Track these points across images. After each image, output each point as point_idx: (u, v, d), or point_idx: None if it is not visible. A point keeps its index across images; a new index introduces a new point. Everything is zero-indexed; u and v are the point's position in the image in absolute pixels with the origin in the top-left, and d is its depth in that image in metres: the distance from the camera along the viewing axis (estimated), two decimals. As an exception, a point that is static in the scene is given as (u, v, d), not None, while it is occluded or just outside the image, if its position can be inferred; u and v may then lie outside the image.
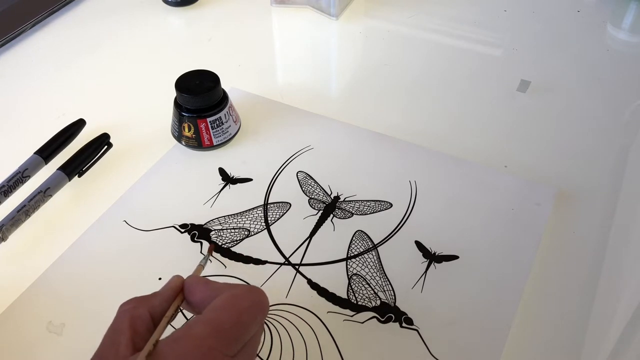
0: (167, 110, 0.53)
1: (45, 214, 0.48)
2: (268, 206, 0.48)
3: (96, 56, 0.66)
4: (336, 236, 0.46)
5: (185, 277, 0.34)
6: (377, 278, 0.43)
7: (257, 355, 0.38)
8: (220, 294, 0.32)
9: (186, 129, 0.51)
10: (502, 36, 0.67)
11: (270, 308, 0.41)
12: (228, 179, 0.50)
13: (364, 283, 0.42)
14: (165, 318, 0.31)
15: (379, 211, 0.47)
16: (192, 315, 0.36)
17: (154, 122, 0.55)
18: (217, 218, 0.47)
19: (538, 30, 0.68)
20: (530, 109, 0.57)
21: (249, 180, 0.50)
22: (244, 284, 0.32)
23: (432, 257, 0.44)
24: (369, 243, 0.45)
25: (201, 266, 0.38)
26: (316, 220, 0.47)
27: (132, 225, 0.47)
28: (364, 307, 0.41)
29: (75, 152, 0.51)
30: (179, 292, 0.33)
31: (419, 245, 0.45)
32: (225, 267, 0.44)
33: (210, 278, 0.42)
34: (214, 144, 0.52)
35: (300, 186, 0.50)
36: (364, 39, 0.67)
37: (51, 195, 0.48)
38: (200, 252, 0.45)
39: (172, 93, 0.51)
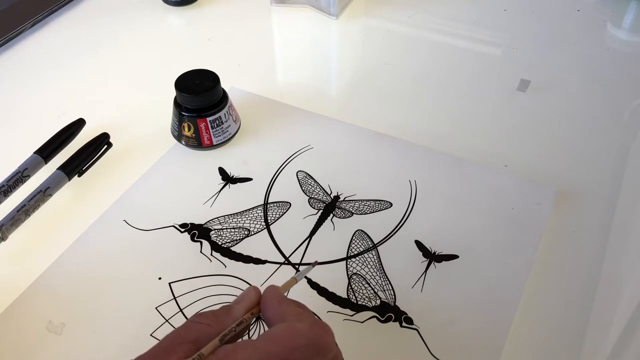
0: (167, 109, 0.53)
1: (45, 213, 0.48)
2: (268, 206, 0.48)
3: (96, 56, 0.66)
4: (336, 236, 0.46)
5: (275, 287, 0.32)
6: (377, 277, 0.43)
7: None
8: (285, 319, 0.30)
9: (186, 129, 0.51)
10: (502, 36, 0.67)
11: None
12: (228, 179, 0.50)
13: (363, 282, 0.42)
14: (214, 340, 0.30)
15: (378, 211, 0.47)
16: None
17: (154, 122, 0.55)
18: (217, 218, 0.47)
19: (538, 29, 0.68)
20: (530, 109, 0.57)
21: (249, 179, 0.50)
22: (313, 316, 0.31)
23: (432, 257, 0.44)
24: (369, 242, 0.45)
25: (294, 279, 0.35)
26: (316, 220, 0.47)
27: (132, 225, 0.47)
28: (364, 307, 0.41)
29: (75, 151, 0.51)
30: (254, 306, 0.32)
31: (418, 244, 0.45)
32: (225, 266, 0.44)
33: (209, 278, 0.43)
34: (214, 143, 0.52)
35: (300, 186, 0.50)
36: (364, 39, 0.67)
37: (51, 195, 0.48)
38: (201, 252, 0.45)
39: (172, 93, 0.51)
